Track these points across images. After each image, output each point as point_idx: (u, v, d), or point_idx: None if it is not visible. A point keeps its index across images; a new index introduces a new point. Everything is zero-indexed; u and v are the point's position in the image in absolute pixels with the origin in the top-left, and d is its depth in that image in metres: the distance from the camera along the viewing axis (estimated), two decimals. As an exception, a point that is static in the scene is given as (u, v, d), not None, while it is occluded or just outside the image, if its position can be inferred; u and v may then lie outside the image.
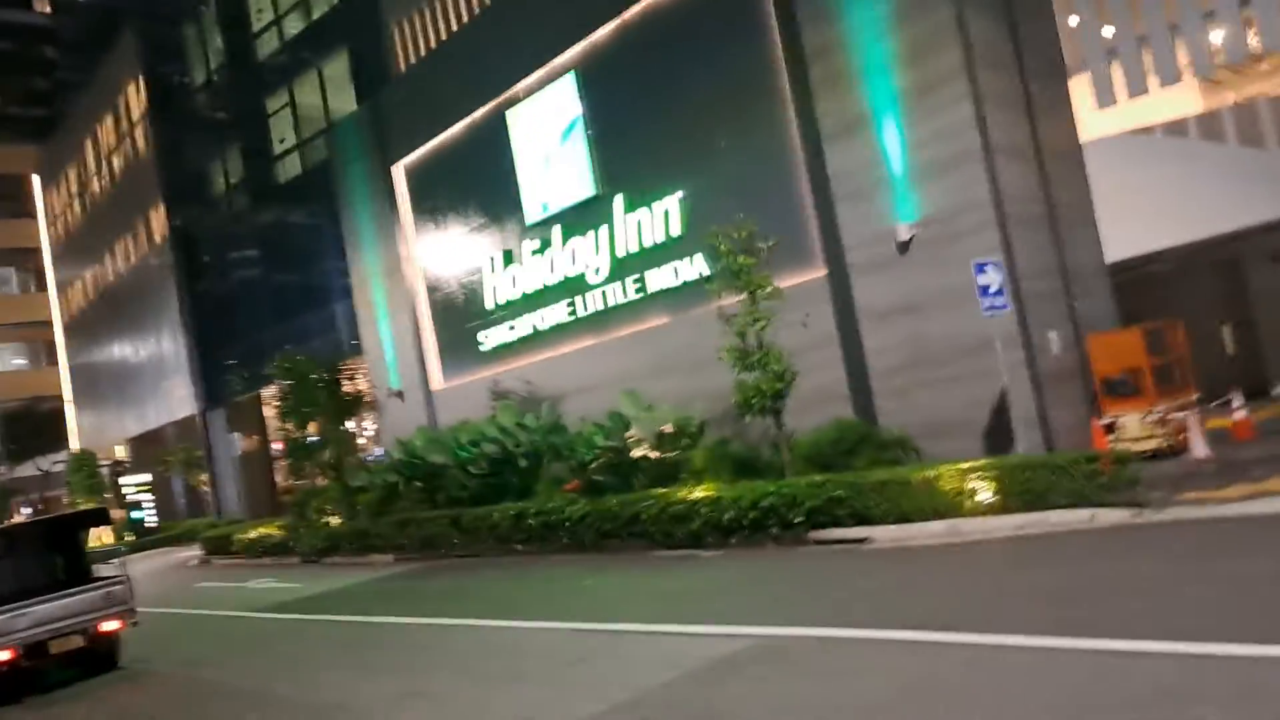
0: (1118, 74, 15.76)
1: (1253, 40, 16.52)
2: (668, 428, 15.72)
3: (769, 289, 13.77)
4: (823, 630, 7.63)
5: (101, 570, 13.37)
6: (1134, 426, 13.97)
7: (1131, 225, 16.90)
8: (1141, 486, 10.68)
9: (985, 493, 11.24)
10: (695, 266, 18.39)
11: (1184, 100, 18.49)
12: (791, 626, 7.94)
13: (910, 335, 14.99)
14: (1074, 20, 16.17)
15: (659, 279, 19.19)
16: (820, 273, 16.18)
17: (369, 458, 29.16)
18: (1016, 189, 14.30)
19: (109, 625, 11.90)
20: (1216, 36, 16.44)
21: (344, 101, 31.41)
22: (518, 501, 17.64)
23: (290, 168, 34.69)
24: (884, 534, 11.65)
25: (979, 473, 11.25)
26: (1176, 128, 16.90)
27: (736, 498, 13.15)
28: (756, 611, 8.91)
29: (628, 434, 16.02)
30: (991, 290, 12.25)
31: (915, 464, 13.41)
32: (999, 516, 11.05)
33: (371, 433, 33.52)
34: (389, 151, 26.42)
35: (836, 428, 14.26)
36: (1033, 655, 6.19)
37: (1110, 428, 14.17)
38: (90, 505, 35.59)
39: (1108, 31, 16.35)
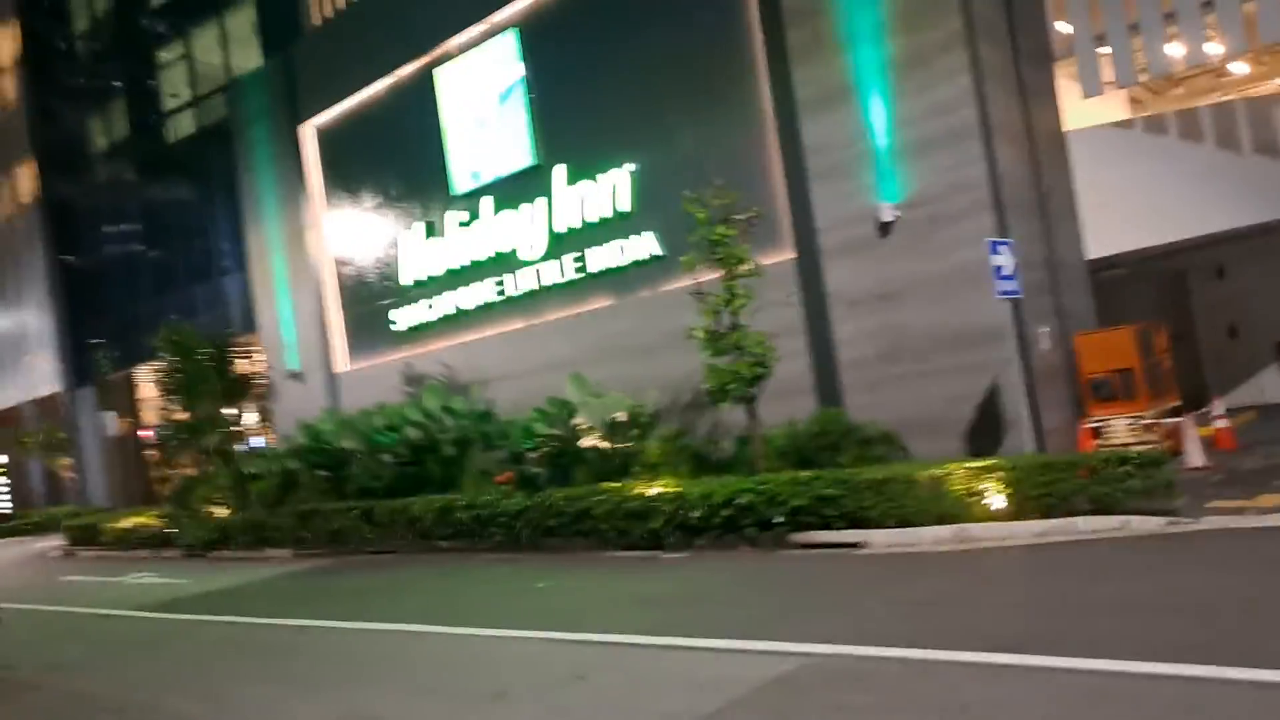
0: (1106, 64, 15.00)
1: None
2: (620, 416, 14.21)
3: (749, 264, 12.44)
4: (888, 650, 6.25)
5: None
6: (1123, 431, 13.15)
7: (1098, 225, 16.21)
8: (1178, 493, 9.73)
9: (997, 495, 10.12)
10: (645, 245, 17.00)
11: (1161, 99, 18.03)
12: (841, 644, 6.55)
13: (887, 325, 13.91)
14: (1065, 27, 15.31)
15: (602, 258, 17.70)
16: (789, 255, 14.96)
17: (248, 447, 26.62)
18: (1011, 173, 13.37)
19: (-42, 624, 9.75)
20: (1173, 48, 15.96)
21: (248, 59, 28.91)
22: (440, 494, 15.86)
23: (183, 126, 31.87)
24: (881, 538, 10.41)
25: (996, 472, 10.11)
26: (1155, 123, 16.26)
27: (706, 494, 11.74)
28: (778, 624, 7.51)
29: (574, 421, 14.45)
30: (1004, 272, 11.18)
31: (904, 462, 12.29)
32: (1014, 522, 9.93)
33: (257, 419, 30.86)
34: (299, 111, 24.20)
35: (819, 420, 13.01)
36: (1174, 686, 4.94)
37: (1097, 431, 13.35)
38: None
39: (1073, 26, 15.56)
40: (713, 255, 12.44)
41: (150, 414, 35.24)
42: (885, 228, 13.79)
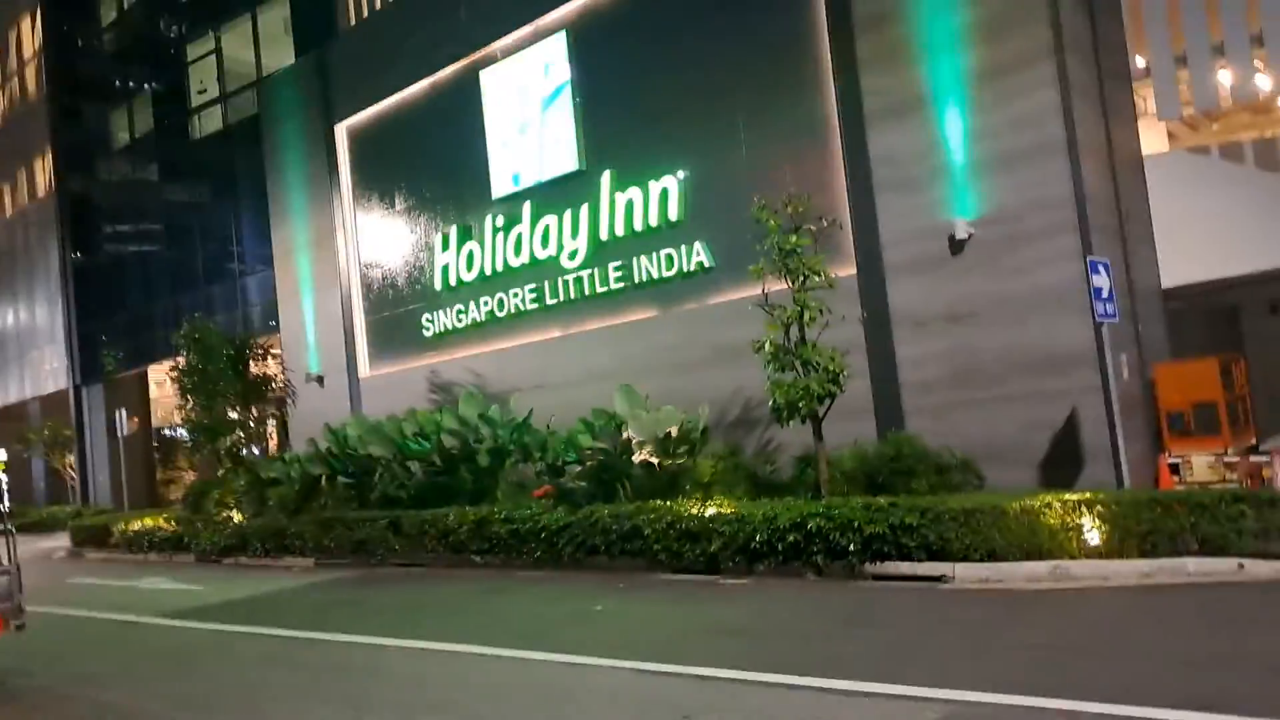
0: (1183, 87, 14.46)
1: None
2: (673, 430, 13.55)
3: (822, 276, 11.83)
4: (1037, 699, 5.59)
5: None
6: (1203, 467, 12.50)
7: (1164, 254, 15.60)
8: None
9: (1093, 531, 9.47)
10: (694, 256, 16.38)
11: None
12: (981, 691, 5.89)
13: (957, 346, 13.28)
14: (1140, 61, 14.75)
15: (648, 268, 17.08)
16: (850, 270, 14.30)
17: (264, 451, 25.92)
18: (1094, 194, 12.76)
19: (-20, 626, 9.03)
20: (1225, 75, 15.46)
21: (279, 57, 28.43)
22: (471, 506, 15.19)
23: (209, 123, 31.34)
24: (967, 572, 9.73)
25: (1095, 506, 9.46)
26: (1233, 151, 15.70)
27: (770, 517, 11.08)
28: (896, 664, 6.83)
29: (624, 435, 13.78)
30: (1103, 294, 10.57)
31: (986, 491, 11.65)
32: (1115, 560, 9.28)
33: (274, 422, 30.14)
34: (331, 111, 23.69)
35: (892, 444, 12.33)
36: None
37: (1176, 468, 12.70)
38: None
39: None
40: (784, 265, 11.82)
41: (161, 414, 34.59)
42: (958, 245, 13.19)
